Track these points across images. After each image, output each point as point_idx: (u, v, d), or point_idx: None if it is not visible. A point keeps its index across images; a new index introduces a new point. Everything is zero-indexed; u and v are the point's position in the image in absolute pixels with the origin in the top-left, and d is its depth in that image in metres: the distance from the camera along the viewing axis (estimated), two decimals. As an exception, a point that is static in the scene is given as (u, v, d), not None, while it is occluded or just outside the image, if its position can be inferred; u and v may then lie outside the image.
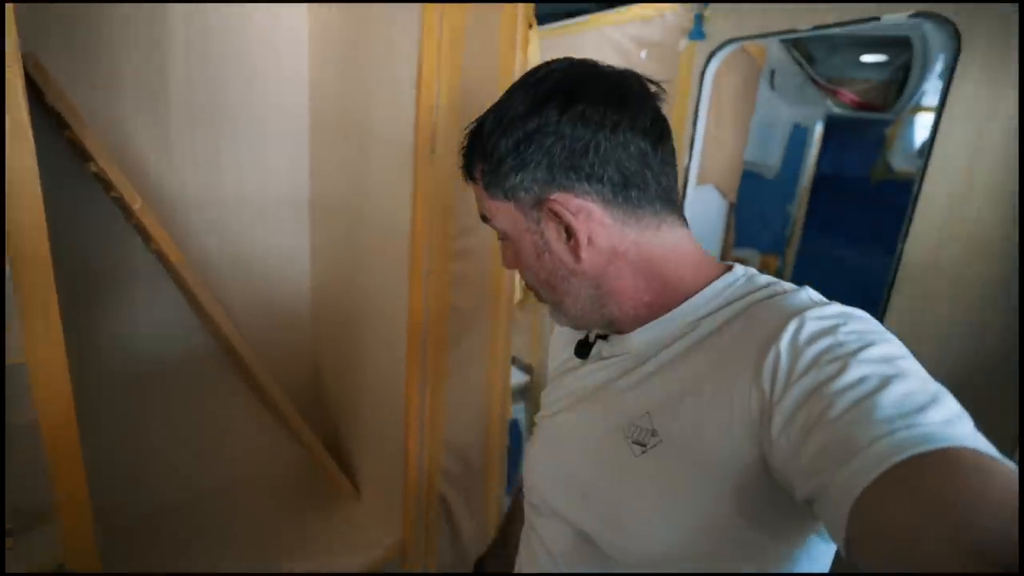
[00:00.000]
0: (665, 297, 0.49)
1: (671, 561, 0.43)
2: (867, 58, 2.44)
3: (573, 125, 0.45)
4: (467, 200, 1.06)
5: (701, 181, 1.67)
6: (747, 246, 2.33)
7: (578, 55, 0.50)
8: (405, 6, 0.93)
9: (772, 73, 2.06)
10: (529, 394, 1.91)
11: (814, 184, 2.79)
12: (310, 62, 1.26)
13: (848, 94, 2.54)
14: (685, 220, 0.51)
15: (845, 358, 0.36)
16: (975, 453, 0.30)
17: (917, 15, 0.99)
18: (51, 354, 0.69)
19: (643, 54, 1.54)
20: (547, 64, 0.49)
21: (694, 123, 1.48)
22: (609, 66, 0.49)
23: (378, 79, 1.05)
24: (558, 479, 0.55)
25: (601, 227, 0.47)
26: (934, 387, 0.35)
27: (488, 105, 0.50)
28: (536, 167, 0.46)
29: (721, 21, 1.33)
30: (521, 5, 1.03)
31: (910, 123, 2.53)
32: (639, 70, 0.49)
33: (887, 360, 0.36)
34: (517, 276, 1.17)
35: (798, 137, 2.55)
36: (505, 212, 0.50)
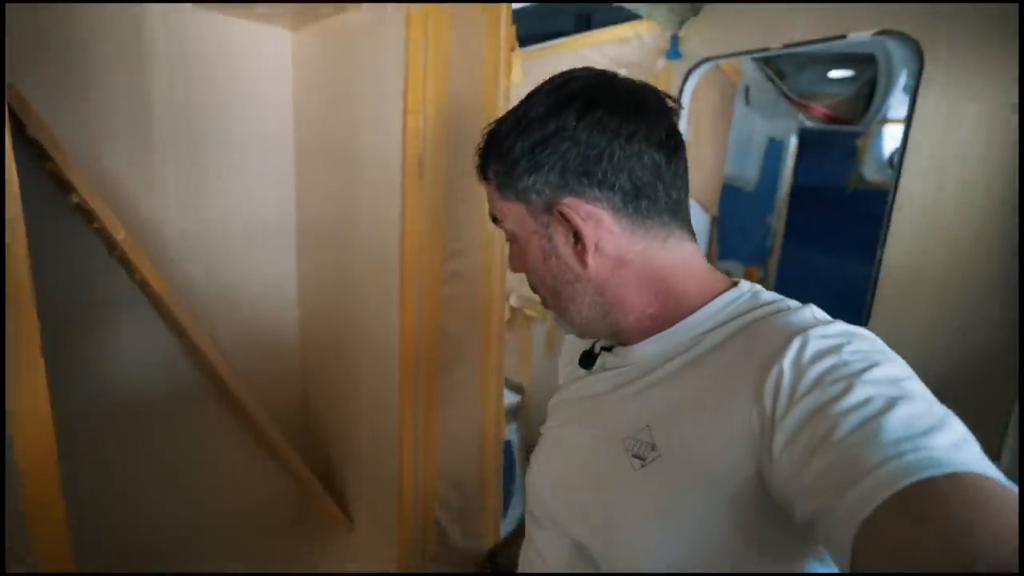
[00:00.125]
0: (670, 310, 0.49)
1: None
2: (835, 74, 2.55)
3: (589, 132, 0.45)
4: (456, 223, 1.06)
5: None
6: (730, 258, 2.37)
7: None
8: (390, 30, 0.94)
9: (747, 89, 2.12)
10: (520, 414, 1.89)
11: (791, 195, 2.87)
12: (294, 87, 1.26)
13: (819, 108, 2.64)
14: (694, 235, 0.52)
15: (850, 378, 0.36)
16: (983, 479, 0.30)
17: (882, 32, 1.04)
18: (34, 405, 0.67)
19: (621, 74, 1.58)
20: (569, 72, 0.49)
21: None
22: (629, 78, 0.50)
23: (363, 104, 1.05)
24: (559, 490, 0.54)
25: (609, 235, 0.47)
26: (940, 410, 0.35)
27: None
28: (550, 170, 0.47)
29: (696, 40, 1.37)
30: (504, 28, 1.05)
31: (879, 135, 2.63)
32: None
33: (892, 381, 0.36)
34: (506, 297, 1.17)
35: (774, 150, 2.61)
36: (515, 213, 0.50)
